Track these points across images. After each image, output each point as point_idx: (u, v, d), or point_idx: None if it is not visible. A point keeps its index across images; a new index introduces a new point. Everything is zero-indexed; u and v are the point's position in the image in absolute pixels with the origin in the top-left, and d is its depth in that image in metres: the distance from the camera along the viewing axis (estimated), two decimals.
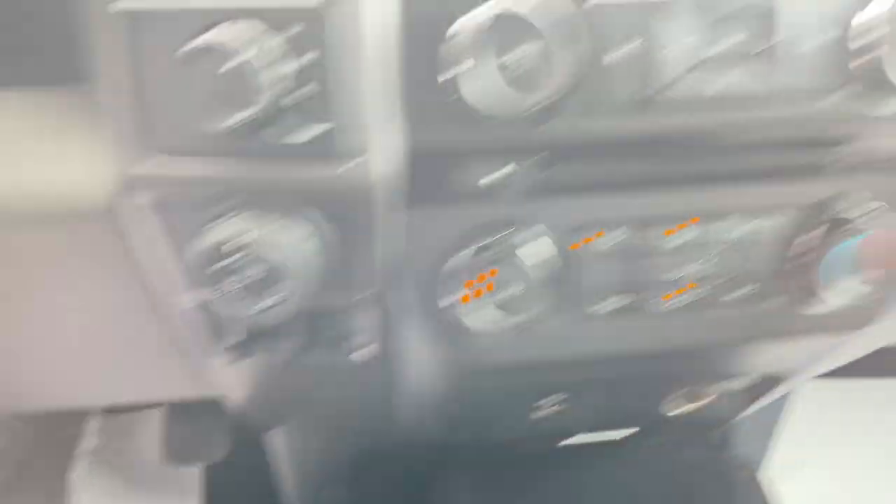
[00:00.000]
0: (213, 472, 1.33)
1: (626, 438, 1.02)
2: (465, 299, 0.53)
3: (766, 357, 0.65)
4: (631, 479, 1.05)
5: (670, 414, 0.75)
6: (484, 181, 0.50)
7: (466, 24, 0.45)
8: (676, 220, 0.55)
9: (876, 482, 1.36)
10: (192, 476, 1.37)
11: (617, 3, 0.46)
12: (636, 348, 0.59)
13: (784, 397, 1.10)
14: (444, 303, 0.54)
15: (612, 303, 0.56)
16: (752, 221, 0.56)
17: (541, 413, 0.72)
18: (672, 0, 0.46)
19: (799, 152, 0.54)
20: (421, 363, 0.60)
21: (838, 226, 0.55)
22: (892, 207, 0.56)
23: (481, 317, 0.53)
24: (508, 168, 0.50)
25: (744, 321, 0.59)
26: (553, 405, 0.71)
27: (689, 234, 0.55)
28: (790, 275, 0.57)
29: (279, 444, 1.00)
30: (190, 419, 1.14)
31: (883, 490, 1.35)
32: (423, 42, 0.46)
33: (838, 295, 0.56)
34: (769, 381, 0.71)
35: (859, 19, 0.48)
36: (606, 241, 0.55)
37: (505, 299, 0.52)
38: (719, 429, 0.83)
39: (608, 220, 0.55)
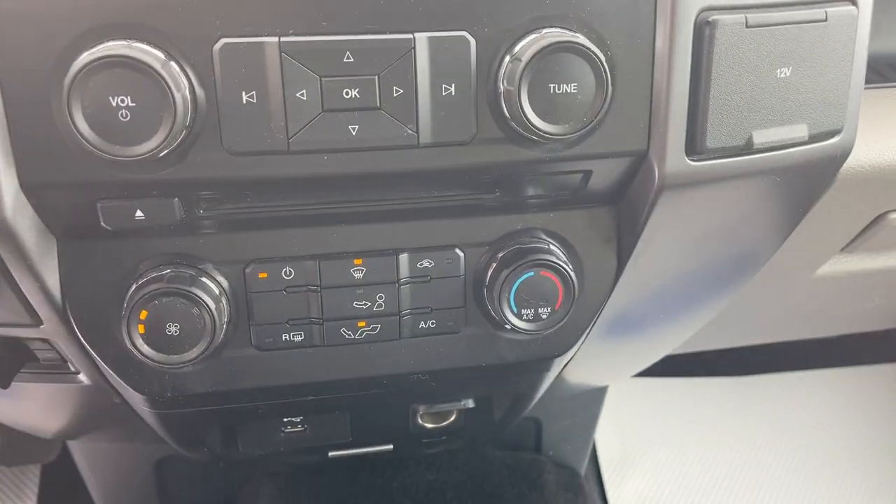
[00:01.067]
0: (49, 473, 1.33)
1: (438, 443, 1.04)
2: (139, 332, 0.53)
3: (489, 381, 0.67)
4: (444, 484, 1.08)
5: (426, 428, 0.76)
6: (116, 221, 0.49)
7: (78, 64, 0.44)
8: (364, 253, 0.56)
9: (698, 479, 1.41)
10: (32, 475, 1.36)
11: (242, 46, 0.45)
12: (340, 375, 0.59)
13: (599, 398, 1.13)
14: (121, 338, 0.53)
15: (298, 334, 0.56)
16: (442, 253, 0.57)
17: (291, 432, 0.73)
18: (297, 47, 0.46)
19: (467, 192, 0.55)
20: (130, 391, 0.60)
21: (520, 259, 0.56)
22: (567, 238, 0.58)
23: (153, 351, 0.53)
24: (155, 204, 0.50)
25: (449, 347, 0.60)
26: (297, 426, 0.72)
27: (379, 266, 0.56)
28: (483, 302, 0.58)
29: (78, 454, 1.00)
30: None
31: (706, 487, 1.41)
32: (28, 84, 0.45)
33: (528, 322, 0.57)
34: (507, 399, 0.72)
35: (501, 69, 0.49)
36: (289, 273, 0.55)
37: (170, 335, 0.53)
38: (490, 437, 0.84)
39: (291, 253, 0.55)
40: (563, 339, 0.61)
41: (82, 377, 0.64)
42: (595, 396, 1.10)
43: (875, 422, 1.55)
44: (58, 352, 0.61)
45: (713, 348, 1.07)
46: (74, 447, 1.01)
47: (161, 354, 0.53)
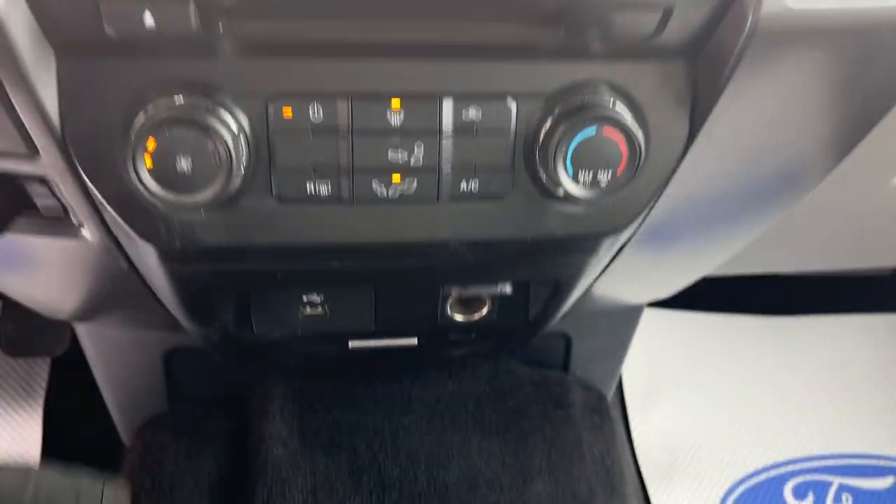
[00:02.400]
0: (58, 367, 1.30)
1: (463, 356, 0.99)
2: (146, 165, 0.47)
3: (532, 260, 0.60)
4: (466, 395, 1.03)
5: (455, 320, 0.70)
6: (122, 25, 0.42)
7: None
8: (403, 94, 0.49)
9: (724, 419, 1.36)
10: (41, 370, 1.33)
11: None
12: (369, 238, 0.53)
13: (632, 319, 1.07)
14: (126, 174, 0.47)
15: (324, 184, 0.50)
16: (491, 103, 0.50)
17: (310, 314, 0.67)
18: None
19: (526, 26, 0.47)
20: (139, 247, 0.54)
21: (581, 114, 0.49)
22: (634, 95, 0.50)
23: (161, 188, 0.47)
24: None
25: (493, 215, 0.53)
26: (317, 308, 0.66)
27: (419, 111, 0.49)
28: (535, 164, 0.51)
29: (87, 342, 0.95)
30: (26, 313, 1.07)
31: (732, 428, 1.35)
32: None
33: (584, 188, 0.50)
34: (547, 286, 0.66)
35: None
36: (317, 111, 0.48)
37: (181, 172, 0.47)
38: (518, 341, 0.79)
39: (321, 89, 0.48)
40: (619, 213, 0.54)
41: (86, 233, 0.58)
42: (628, 317, 1.04)
43: None
44: (58, 198, 0.55)
45: (761, 272, 1.00)
46: (83, 336, 0.97)
47: (170, 193, 0.47)
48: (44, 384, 1.32)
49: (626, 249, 0.66)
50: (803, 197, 0.69)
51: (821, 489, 1.30)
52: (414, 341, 0.75)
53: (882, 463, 1.36)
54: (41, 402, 1.28)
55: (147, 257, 0.55)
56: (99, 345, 0.96)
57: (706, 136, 0.53)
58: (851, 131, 0.58)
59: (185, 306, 0.63)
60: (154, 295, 0.68)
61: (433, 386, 1.02)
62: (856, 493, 1.30)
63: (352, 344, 0.75)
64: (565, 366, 1.07)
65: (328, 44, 0.47)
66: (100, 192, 0.49)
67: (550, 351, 1.06)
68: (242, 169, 0.48)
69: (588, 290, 0.77)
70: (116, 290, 0.73)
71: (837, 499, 1.29)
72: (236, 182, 0.48)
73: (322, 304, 0.66)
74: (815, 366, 1.47)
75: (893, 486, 1.33)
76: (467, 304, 0.69)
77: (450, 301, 0.68)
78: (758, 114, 0.53)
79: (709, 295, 1.49)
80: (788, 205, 0.69)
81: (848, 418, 1.41)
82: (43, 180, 0.53)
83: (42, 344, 1.22)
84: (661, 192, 0.56)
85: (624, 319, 1.04)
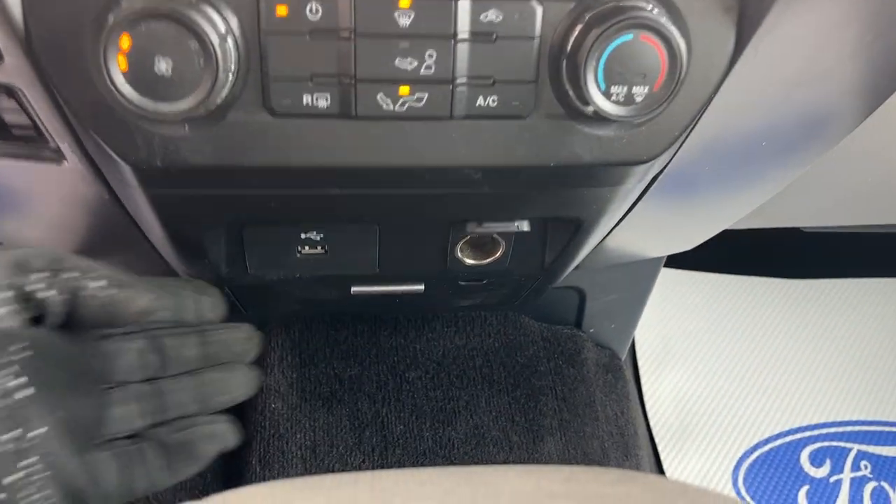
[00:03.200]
0: None
1: (473, 307, 0.94)
2: (119, 66, 0.41)
3: (555, 192, 0.54)
4: (474, 350, 0.98)
5: (465, 264, 0.65)
6: None
7: None
8: None
9: (739, 382, 1.32)
10: None
11: None
12: (372, 160, 0.47)
13: (650, 274, 1.01)
14: (98, 77, 0.42)
15: (323, 96, 0.44)
16: (513, 4, 0.43)
17: (309, 253, 0.62)
18: None
19: None
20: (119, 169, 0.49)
21: (616, 18, 0.43)
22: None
23: (137, 94, 0.41)
24: None
25: (513, 137, 0.47)
26: (316, 247, 0.61)
27: (431, 11, 0.43)
28: (561, 76, 0.45)
29: None
30: None
31: (747, 390, 1.31)
32: None
33: (617, 104, 0.44)
34: (566, 227, 0.60)
35: None
36: (315, 10, 0.42)
37: (160, 75, 0.41)
38: (537, 287, 0.73)
39: None
40: (654, 138, 0.48)
41: (65, 161, 0.53)
42: (645, 272, 0.99)
43: None
44: (28, 115, 0.50)
45: (783, 226, 0.94)
46: None
47: (148, 100, 0.41)
48: None
49: (644, 198, 0.61)
50: (832, 146, 0.63)
51: (839, 456, 1.26)
52: (421, 287, 0.69)
53: None
54: None
55: (127, 181, 0.49)
56: None
57: (752, 52, 0.47)
58: (890, 75, 0.52)
59: (172, 240, 0.58)
60: (144, 234, 0.63)
61: (440, 340, 0.97)
62: (875, 459, 1.26)
63: (354, 289, 0.69)
64: (578, 322, 1.02)
65: None
66: (70, 100, 0.43)
67: (563, 307, 1.01)
68: (230, 75, 0.42)
69: (604, 240, 0.72)
70: (105, 229, 0.67)
71: (856, 466, 1.25)
72: (223, 91, 0.42)
73: (322, 242, 0.61)
74: (834, 331, 1.42)
75: None
76: (479, 247, 0.64)
77: (460, 243, 0.63)
78: (805, 34, 0.47)
79: (726, 256, 1.44)
80: (816, 154, 0.63)
81: (867, 385, 1.36)
82: (10, 91, 0.48)
83: None
84: (699, 118, 0.51)
85: (641, 274, 0.98)
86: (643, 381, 1.29)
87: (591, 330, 1.04)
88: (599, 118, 0.45)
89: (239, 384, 0.57)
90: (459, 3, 0.43)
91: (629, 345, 1.12)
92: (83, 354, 0.50)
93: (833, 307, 1.46)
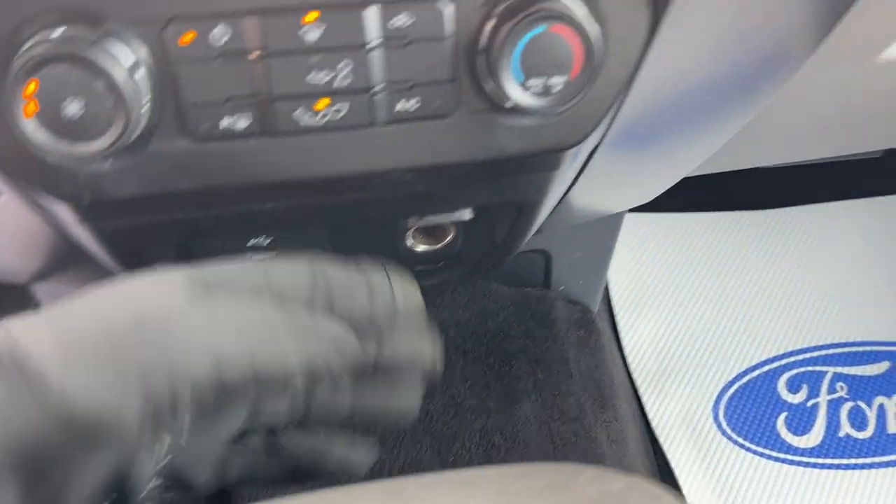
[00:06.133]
0: None
1: (436, 285, 0.95)
2: (28, 113, 0.41)
3: (489, 182, 0.55)
4: (445, 322, 0.99)
5: (417, 252, 0.65)
6: None
7: None
8: (320, 5, 0.42)
9: (716, 319, 1.34)
10: None
11: None
12: (301, 173, 0.47)
13: (613, 228, 1.02)
14: (11, 123, 0.42)
15: (236, 120, 0.44)
16: (423, 5, 0.43)
17: (260, 257, 0.62)
18: None
19: None
20: None
21: (526, 11, 0.43)
22: None
23: (53, 141, 0.41)
24: None
25: (438, 135, 0.48)
26: (262, 248, 0.61)
27: (340, 23, 0.43)
28: (479, 73, 0.45)
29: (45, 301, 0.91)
30: None
31: (725, 327, 1.34)
32: None
33: (536, 96, 0.45)
34: (511, 209, 0.61)
35: None
36: (222, 34, 0.42)
37: (71, 117, 0.41)
38: (488, 265, 0.74)
39: (224, 7, 0.41)
40: (578, 123, 0.48)
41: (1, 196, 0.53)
42: (609, 226, 1.00)
43: None
44: None
45: (744, 167, 0.95)
46: (43, 298, 0.93)
47: (63, 142, 0.41)
48: None
49: (597, 156, 0.61)
50: (785, 83, 0.63)
51: (815, 380, 1.29)
52: None
53: (875, 349, 1.35)
54: None
55: (63, 215, 0.49)
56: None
57: (672, 24, 0.47)
58: (831, 6, 0.52)
59: (120, 262, 0.58)
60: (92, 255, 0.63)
61: None
62: (850, 380, 1.29)
63: None
64: (547, 282, 1.03)
65: None
66: None
67: (531, 269, 1.03)
68: (145, 107, 0.42)
69: (561, 204, 0.73)
70: (51, 254, 0.68)
71: (832, 388, 1.28)
72: (140, 123, 0.42)
73: (270, 246, 0.61)
74: (805, 258, 1.45)
75: (888, 370, 1.32)
76: (430, 233, 0.64)
77: (410, 231, 0.63)
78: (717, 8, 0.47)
79: (693, 195, 1.45)
80: (769, 93, 0.63)
81: (840, 307, 1.39)
82: None
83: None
84: (626, 95, 0.51)
85: (604, 230, 0.99)
86: (621, 329, 1.31)
87: (561, 288, 1.05)
88: (520, 110, 0.45)
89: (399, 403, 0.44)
90: (367, 12, 0.42)
91: (601, 297, 1.14)
92: None
93: (802, 234, 1.48)
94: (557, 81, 0.44)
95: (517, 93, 0.44)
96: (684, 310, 1.36)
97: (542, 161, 0.52)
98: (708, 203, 1.48)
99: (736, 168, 0.95)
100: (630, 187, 0.84)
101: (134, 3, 0.41)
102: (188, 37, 0.41)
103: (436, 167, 0.49)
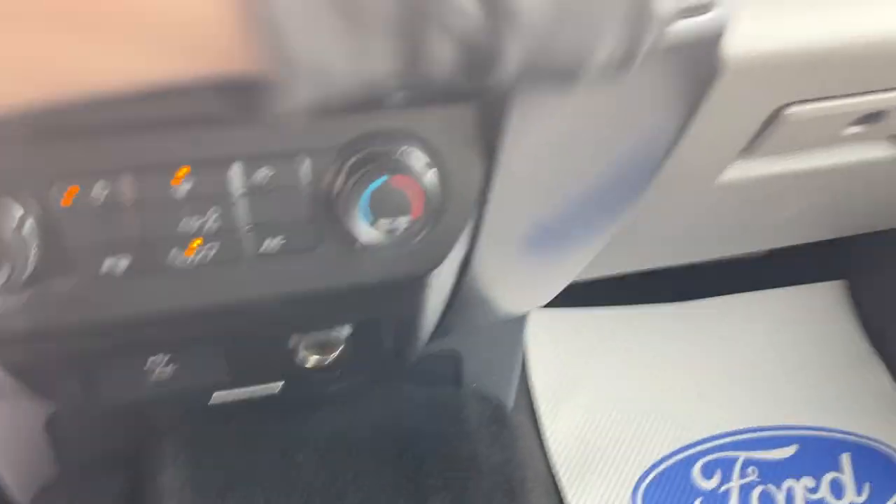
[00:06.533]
0: None
1: (335, 379, 0.99)
2: None
3: (359, 304, 0.61)
4: (358, 425, 1.03)
5: (308, 365, 0.71)
6: None
7: None
8: (190, 162, 0.49)
9: (639, 405, 1.40)
10: None
11: None
12: (182, 304, 0.53)
13: (518, 328, 1.09)
14: None
15: (118, 261, 0.50)
16: (282, 162, 0.50)
17: (159, 373, 0.67)
18: None
19: None
20: None
21: (369, 164, 0.50)
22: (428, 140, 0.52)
23: None
24: None
25: (304, 267, 0.54)
26: (164, 366, 0.66)
27: (207, 178, 0.50)
28: (335, 216, 0.52)
29: None
30: None
31: (648, 412, 1.39)
32: None
33: (383, 235, 0.52)
34: (390, 323, 0.67)
35: None
36: (103, 188, 0.48)
37: None
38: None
39: (104, 167, 0.48)
40: (430, 252, 0.55)
41: None
42: (514, 326, 1.06)
43: (813, 340, 1.55)
44: None
45: (626, 271, 1.03)
46: None
47: None
48: None
49: (473, 267, 0.68)
50: (635, 207, 0.71)
51: (727, 465, 1.35)
52: (279, 385, 0.75)
53: (783, 433, 1.41)
54: None
55: None
56: None
57: (506, 169, 0.55)
58: (651, 152, 0.61)
59: (25, 383, 0.62)
60: None
61: (329, 419, 1.02)
62: (761, 464, 1.35)
63: (215, 394, 0.75)
64: (458, 381, 1.08)
65: (111, 123, 0.47)
66: None
67: (443, 368, 1.08)
68: (32, 255, 0.47)
69: (455, 309, 0.79)
70: None
71: (744, 473, 1.34)
72: (28, 268, 0.48)
73: (169, 362, 0.66)
74: (718, 345, 1.53)
75: (795, 453, 1.39)
76: (321, 345, 0.70)
77: (300, 347, 0.69)
78: (549, 143, 0.55)
79: (612, 290, 1.54)
80: (619, 214, 0.71)
81: (753, 392, 1.46)
82: None
83: None
84: (478, 225, 0.58)
85: (510, 330, 1.06)
86: (543, 422, 1.35)
87: (474, 385, 1.11)
88: (372, 246, 0.52)
89: None
90: (231, 170, 0.49)
91: (514, 391, 1.19)
92: None
93: (715, 324, 1.56)
94: (402, 221, 0.51)
95: (366, 232, 0.51)
96: (605, 400, 1.42)
97: (405, 284, 0.58)
98: (626, 298, 1.57)
99: (623, 271, 1.03)
100: (517, 293, 0.91)
101: (22, 162, 0.47)
102: (73, 190, 0.48)
103: (304, 295, 0.55)
